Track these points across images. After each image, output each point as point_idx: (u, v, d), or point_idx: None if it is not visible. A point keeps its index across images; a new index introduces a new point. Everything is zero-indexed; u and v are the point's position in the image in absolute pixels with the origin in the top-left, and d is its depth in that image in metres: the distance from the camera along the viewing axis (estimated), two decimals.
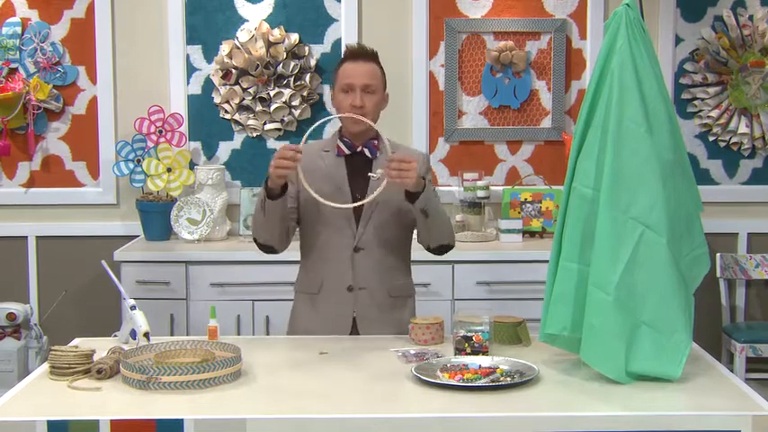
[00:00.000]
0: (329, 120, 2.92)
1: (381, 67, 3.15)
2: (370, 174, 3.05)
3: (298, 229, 3.20)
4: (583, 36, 4.90)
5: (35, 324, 4.73)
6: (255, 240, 3.16)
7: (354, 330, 3.13)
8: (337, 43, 4.83)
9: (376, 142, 3.15)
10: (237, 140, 4.93)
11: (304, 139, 2.96)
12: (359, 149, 3.14)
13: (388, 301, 3.16)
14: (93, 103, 4.89)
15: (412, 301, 3.27)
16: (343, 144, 3.14)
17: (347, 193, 3.11)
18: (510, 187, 4.90)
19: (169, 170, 4.76)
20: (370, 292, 3.13)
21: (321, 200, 2.93)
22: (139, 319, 2.86)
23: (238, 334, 4.32)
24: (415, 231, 3.17)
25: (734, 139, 4.94)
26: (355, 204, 3.02)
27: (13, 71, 4.85)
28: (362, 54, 3.12)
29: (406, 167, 2.88)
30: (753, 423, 2.32)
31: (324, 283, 3.15)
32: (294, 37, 4.83)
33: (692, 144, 4.89)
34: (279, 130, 4.89)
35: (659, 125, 2.66)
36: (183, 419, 2.30)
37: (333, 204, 2.96)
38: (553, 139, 4.94)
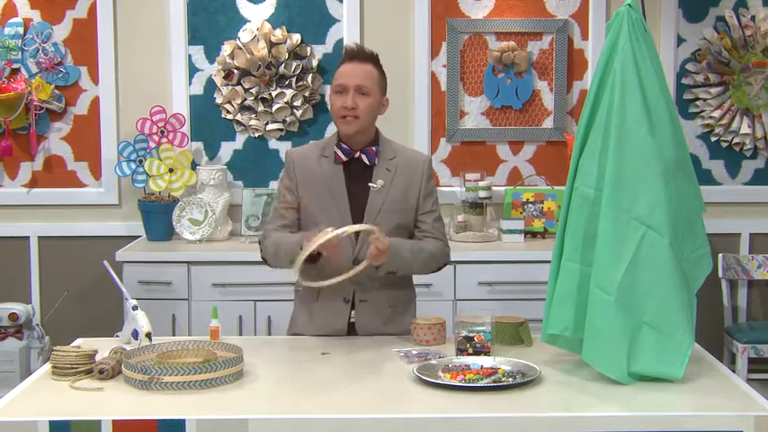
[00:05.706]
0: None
1: (381, 70, 3.08)
2: (370, 184, 3.00)
3: None
4: (585, 36, 4.89)
5: (37, 324, 4.74)
6: (265, 261, 3.14)
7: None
8: (339, 44, 4.83)
9: (374, 148, 3.08)
10: (239, 141, 4.93)
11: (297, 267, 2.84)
12: (357, 156, 3.07)
13: (388, 312, 3.12)
14: (95, 103, 4.89)
15: (413, 306, 3.22)
16: (341, 151, 3.07)
17: (345, 203, 3.04)
18: (512, 187, 4.90)
19: (171, 170, 4.76)
20: (371, 304, 3.08)
21: (323, 284, 2.90)
22: (141, 320, 2.86)
23: (240, 334, 4.32)
24: None
25: (736, 140, 4.93)
26: (340, 279, 2.91)
27: (15, 71, 4.85)
28: (359, 55, 3.05)
29: (382, 256, 2.88)
30: (755, 423, 2.32)
31: (321, 294, 3.09)
32: (296, 37, 4.83)
33: (693, 144, 4.89)
34: (281, 130, 4.89)
35: (661, 125, 2.66)
36: (184, 420, 2.30)
37: (330, 282, 2.91)
38: (555, 139, 4.93)
